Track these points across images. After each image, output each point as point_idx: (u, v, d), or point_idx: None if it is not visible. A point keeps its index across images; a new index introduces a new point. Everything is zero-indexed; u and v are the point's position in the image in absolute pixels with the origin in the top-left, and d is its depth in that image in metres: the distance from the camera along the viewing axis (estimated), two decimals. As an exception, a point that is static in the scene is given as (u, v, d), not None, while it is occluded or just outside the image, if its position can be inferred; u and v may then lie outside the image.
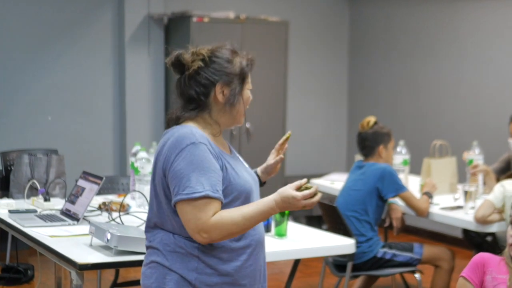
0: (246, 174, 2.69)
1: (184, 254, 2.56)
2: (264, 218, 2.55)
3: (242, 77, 2.65)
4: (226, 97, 2.63)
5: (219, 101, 2.63)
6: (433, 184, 5.08)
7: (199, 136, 2.55)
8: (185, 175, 2.48)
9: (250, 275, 2.64)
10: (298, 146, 8.55)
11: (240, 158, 2.80)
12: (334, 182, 6.02)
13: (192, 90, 2.63)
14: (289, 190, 2.52)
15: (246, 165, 2.79)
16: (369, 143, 4.96)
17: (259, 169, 2.96)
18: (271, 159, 2.95)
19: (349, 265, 4.64)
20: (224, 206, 2.54)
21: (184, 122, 2.64)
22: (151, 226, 2.66)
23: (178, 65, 2.65)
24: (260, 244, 2.70)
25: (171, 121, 2.68)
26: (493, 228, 4.62)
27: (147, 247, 2.68)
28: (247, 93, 2.69)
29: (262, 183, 2.95)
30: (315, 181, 6.26)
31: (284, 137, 2.93)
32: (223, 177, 2.56)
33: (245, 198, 2.61)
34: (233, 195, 2.58)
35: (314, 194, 2.53)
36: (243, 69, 2.66)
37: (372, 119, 5.03)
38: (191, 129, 2.57)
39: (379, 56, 8.55)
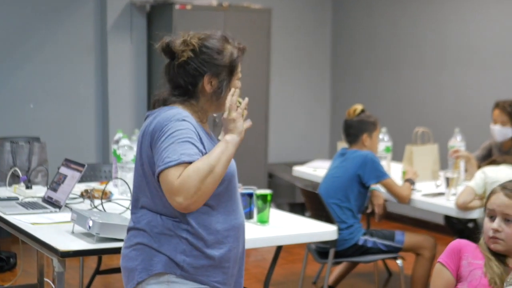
0: None
1: (172, 236, 2.57)
2: (223, 148, 2.54)
3: (231, 69, 2.66)
4: (214, 88, 2.64)
5: (207, 91, 2.64)
6: (414, 172, 5.11)
7: (186, 115, 2.58)
8: (164, 148, 2.50)
9: (232, 258, 2.66)
10: (281, 134, 8.57)
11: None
12: (316, 169, 6.04)
13: (180, 78, 2.65)
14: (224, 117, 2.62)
15: None
16: (353, 131, 4.97)
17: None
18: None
19: (331, 252, 4.66)
20: None
21: (171, 105, 2.66)
22: (138, 207, 2.66)
23: (168, 52, 2.67)
24: (242, 227, 2.72)
25: (158, 103, 2.69)
26: (474, 215, 4.64)
27: (131, 229, 2.68)
28: (236, 83, 2.69)
29: None
30: (298, 168, 6.28)
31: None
32: None
33: (228, 182, 2.63)
34: None
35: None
36: (233, 60, 2.66)
37: (359, 107, 5.04)
38: (178, 110, 2.60)
39: (362, 43, 8.56)
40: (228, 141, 2.57)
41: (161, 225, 2.58)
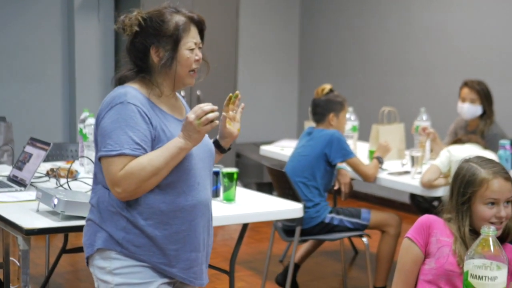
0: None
1: (114, 212, 2.58)
2: (173, 154, 2.52)
3: (176, 38, 2.62)
4: (162, 60, 2.62)
5: (156, 63, 2.64)
6: (386, 147, 5.10)
7: (131, 97, 2.57)
8: (108, 132, 2.52)
9: (181, 241, 2.62)
10: (249, 113, 8.54)
11: None
12: (284, 148, 6.06)
13: (132, 54, 2.67)
14: (187, 116, 2.54)
15: None
16: (320, 110, 4.99)
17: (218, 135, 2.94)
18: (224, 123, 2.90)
19: (298, 230, 4.69)
20: None
21: (126, 83, 2.67)
22: (95, 182, 2.69)
23: (122, 29, 2.68)
24: (199, 210, 2.67)
25: (115, 82, 2.71)
26: (439, 193, 4.69)
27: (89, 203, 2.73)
28: (186, 53, 2.64)
29: (225, 149, 2.92)
30: (265, 148, 6.30)
31: (227, 98, 2.84)
32: (157, 136, 2.58)
33: (181, 163, 2.59)
34: None
35: (211, 120, 2.53)
36: (177, 28, 2.62)
37: (327, 87, 5.06)
38: (126, 90, 2.60)
39: (329, 24, 8.58)
40: (183, 149, 2.53)
41: (107, 201, 2.60)
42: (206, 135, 2.73)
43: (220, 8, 7.68)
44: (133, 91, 2.60)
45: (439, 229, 2.70)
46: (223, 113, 2.82)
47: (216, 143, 2.89)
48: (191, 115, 2.51)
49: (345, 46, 8.41)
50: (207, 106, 2.53)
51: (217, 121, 2.55)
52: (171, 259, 2.62)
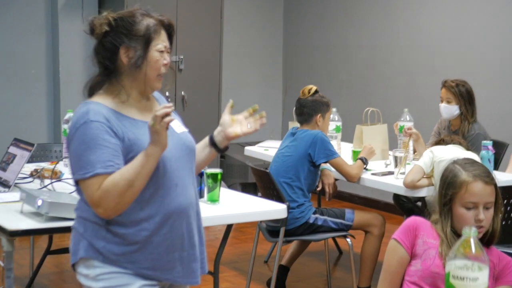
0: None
1: (94, 222, 2.57)
2: (143, 163, 2.48)
3: (147, 38, 2.59)
4: (131, 60, 2.59)
5: (125, 64, 2.60)
6: (371, 149, 5.12)
7: (93, 114, 2.52)
8: (77, 155, 2.51)
9: (163, 244, 2.60)
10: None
11: (175, 123, 2.72)
12: (268, 149, 6.07)
13: (100, 55, 2.63)
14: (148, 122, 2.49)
15: (177, 126, 2.74)
16: (307, 110, 5.01)
17: (216, 131, 2.93)
18: (231, 126, 2.96)
19: (282, 230, 4.70)
20: None
21: (94, 94, 2.65)
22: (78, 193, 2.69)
23: (91, 31, 2.65)
24: (180, 211, 2.63)
25: (86, 91, 2.68)
26: (422, 193, 4.70)
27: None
28: (156, 55, 2.61)
29: (220, 148, 2.93)
30: (249, 148, 6.30)
31: (250, 109, 2.84)
32: (127, 148, 2.54)
33: (157, 169, 2.55)
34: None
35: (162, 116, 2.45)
36: (148, 29, 2.59)
37: (313, 87, 5.07)
38: (88, 107, 2.55)
39: (313, 24, 8.60)
40: (149, 155, 2.48)
41: (87, 210, 2.58)
42: (185, 132, 2.75)
43: (204, 10, 7.68)
44: (95, 106, 2.56)
45: (426, 231, 2.71)
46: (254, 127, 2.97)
47: (212, 141, 2.88)
48: (151, 121, 2.46)
49: (328, 47, 8.43)
50: (160, 111, 2.45)
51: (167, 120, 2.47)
52: (154, 263, 2.60)
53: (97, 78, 2.66)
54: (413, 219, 2.76)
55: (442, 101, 5.42)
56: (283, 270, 5.27)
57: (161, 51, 2.62)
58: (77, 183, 2.56)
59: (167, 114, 2.45)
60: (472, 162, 2.74)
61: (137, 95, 2.66)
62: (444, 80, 5.46)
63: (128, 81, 2.63)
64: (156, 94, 2.81)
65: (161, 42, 2.62)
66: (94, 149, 2.49)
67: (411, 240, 2.70)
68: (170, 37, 2.69)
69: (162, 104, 2.57)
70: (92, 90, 2.66)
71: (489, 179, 2.65)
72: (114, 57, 2.60)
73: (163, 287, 2.70)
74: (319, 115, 4.99)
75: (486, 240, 2.66)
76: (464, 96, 5.37)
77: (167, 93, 7.13)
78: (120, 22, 2.60)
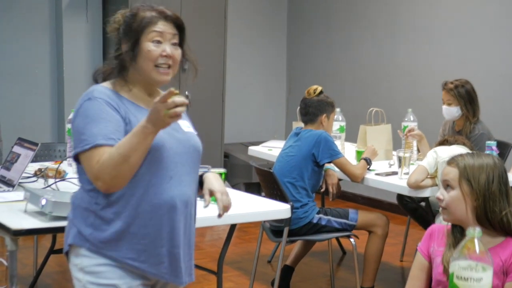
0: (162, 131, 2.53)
1: (84, 208, 2.58)
2: (140, 138, 2.43)
3: (139, 30, 2.60)
4: (128, 52, 2.61)
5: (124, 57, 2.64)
6: (374, 150, 5.13)
7: (97, 93, 2.58)
8: (79, 130, 2.53)
9: (150, 235, 2.56)
10: (237, 114, 8.58)
11: (183, 120, 2.69)
12: (272, 149, 6.07)
13: (112, 50, 2.71)
14: (155, 102, 2.42)
15: (185, 126, 2.73)
16: (312, 110, 5.01)
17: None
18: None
19: (286, 230, 4.70)
20: None
21: (101, 82, 2.69)
22: (79, 183, 2.71)
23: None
24: (171, 206, 2.59)
25: (92, 80, 2.73)
26: (426, 193, 4.70)
27: None
28: (147, 45, 2.60)
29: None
30: (253, 148, 6.31)
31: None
32: (127, 128, 2.54)
33: (150, 151, 2.51)
34: None
35: (177, 105, 2.38)
36: (141, 21, 2.60)
37: (319, 88, 5.08)
38: (94, 87, 2.62)
39: (317, 24, 8.59)
40: (146, 131, 2.43)
41: (80, 198, 2.62)
42: (193, 133, 2.73)
43: (208, 10, 7.68)
44: (100, 87, 2.62)
45: (438, 239, 2.75)
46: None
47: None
48: (160, 104, 2.38)
49: (333, 47, 8.42)
50: (179, 98, 2.40)
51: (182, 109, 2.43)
52: (139, 254, 2.57)
53: (105, 68, 2.70)
54: (431, 227, 2.83)
55: (443, 103, 5.42)
56: (288, 270, 5.27)
57: (157, 41, 2.61)
58: (77, 160, 2.56)
59: (183, 105, 2.40)
60: (473, 153, 2.76)
61: (145, 87, 2.68)
62: (443, 82, 5.46)
63: (133, 75, 2.66)
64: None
65: (155, 31, 2.61)
66: (97, 122, 2.51)
67: (427, 246, 2.75)
68: (180, 30, 2.68)
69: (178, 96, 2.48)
70: (97, 80, 2.71)
71: (452, 161, 2.70)
72: (119, 51, 2.66)
73: (150, 286, 2.68)
74: (324, 115, 4.99)
75: (506, 231, 2.65)
76: (464, 97, 5.36)
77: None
78: (126, 19, 2.65)
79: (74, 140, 2.56)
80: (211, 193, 2.78)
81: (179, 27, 2.67)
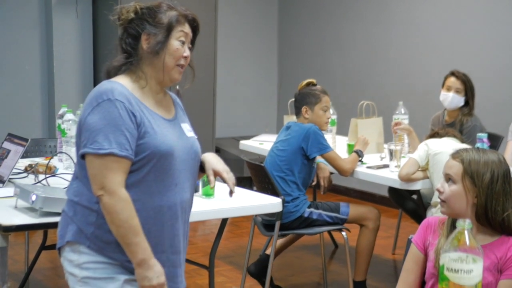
0: (170, 135, 2.63)
1: (86, 207, 2.57)
2: (137, 246, 2.51)
3: (168, 27, 2.63)
4: (151, 47, 2.62)
5: (145, 50, 2.64)
6: (365, 140, 5.11)
7: (118, 94, 2.54)
8: (95, 129, 2.49)
9: (151, 241, 2.56)
10: (228, 108, 8.57)
11: (184, 122, 2.78)
12: (263, 143, 6.07)
13: (123, 41, 2.68)
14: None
15: (187, 130, 2.75)
16: (296, 103, 5.02)
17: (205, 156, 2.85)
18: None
19: (277, 224, 4.69)
20: (136, 163, 2.54)
21: (114, 76, 2.66)
22: (74, 177, 2.68)
23: (118, 18, 2.70)
24: (173, 212, 2.64)
25: (104, 74, 2.69)
26: (417, 186, 4.71)
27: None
28: (175, 43, 2.65)
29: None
30: (245, 142, 6.30)
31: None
32: (140, 133, 2.54)
33: (159, 159, 2.56)
34: (145, 153, 2.54)
35: None
36: (171, 19, 2.64)
37: (307, 81, 5.07)
38: (113, 85, 2.57)
39: (308, 18, 8.59)
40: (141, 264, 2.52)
41: (81, 195, 2.59)
42: (194, 137, 2.75)
43: (199, 5, 7.66)
44: (119, 87, 2.58)
45: (434, 232, 2.73)
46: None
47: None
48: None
49: (323, 41, 8.42)
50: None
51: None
52: None
53: (117, 61, 2.68)
54: (426, 219, 2.81)
55: (449, 90, 5.39)
56: (266, 259, 5.24)
57: (182, 42, 2.67)
58: (82, 156, 2.54)
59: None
60: (479, 149, 2.73)
61: (156, 85, 2.69)
62: (452, 70, 5.45)
63: (147, 68, 2.66)
64: (173, 96, 2.85)
65: (182, 32, 2.67)
66: (114, 128, 2.49)
67: (423, 239, 2.74)
68: (194, 33, 2.75)
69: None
70: (111, 74, 2.68)
71: (456, 155, 2.67)
72: (135, 43, 2.65)
73: None
74: (306, 107, 4.96)
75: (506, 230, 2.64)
76: (472, 88, 5.39)
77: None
78: (146, 10, 2.65)
79: (85, 136, 2.51)
80: (216, 173, 2.81)
81: (195, 31, 2.75)
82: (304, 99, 4.98)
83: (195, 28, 2.74)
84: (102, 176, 2.47)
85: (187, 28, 2.69)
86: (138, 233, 2.50)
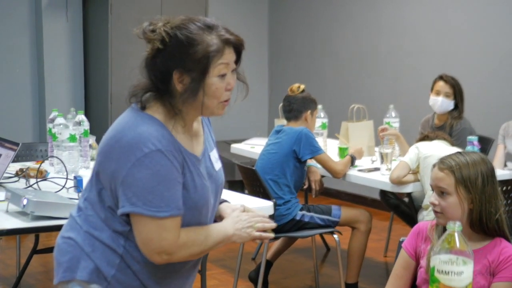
0: (207, 185, 2.33)
1: (108, 246, 2.28)
2: (223, 242, 2.35)
3: (205, 63, 2.21)
4: (186, 87, 2.22)
5: (179, 90, 2.23)
6: (361, 150, 5.17)
7: (166, 142, 2.20)
8: (147, 187, 2.17)
9: (174, 283, 2.39)
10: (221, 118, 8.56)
11: (212, 149, 2.47)
12: (254, 147, 6.08)
13: (151, 73, 2.25)
14: (237, 212, 2.39)
15: (215, 159, 2.46)
16: (297, 107, 5.02)
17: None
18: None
19: (269, 227, 4.69)
20: None
21: (148, 106, 2.27)
22: (87, 204, 2.35)
23: (145, 39, 2.26)
24: (196, 263, 2.45)
25: (134, 98, 2.30)
26: (408, 189, 4.73)
27: (71, 215, 2.39)
28: (215, 82, 2.24)
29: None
30: (236, 146, 6.31)
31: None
32: (182, 183, 2.25)
33: (193, 212, 2.30)
34: (184, 207, 2.27)
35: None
36: (208, 53, 2.21)
37: (302, 86, 5.10)
38: (155, 128, 2.22)
39: (299, 21, 8.60)
40: (227, 238, 2.35)
41: (101, 229, 2.28)
42: (220, 168, 2.47)
43: (189, 9, 7.67)
44: (161, 129, 2.22)
45: (424, 239, 2.74)
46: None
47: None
48: (251, 218, 2.38)
49: (314, 44, 8.43)
50: (271, 223, 2.41)
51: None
52: None
53: (148, 91, 2.29)
54: (417, 226, 2.80)
55: (438, 95, 5.40)
56: (267, 265, 5.27)
57: (223, 75, 2.26)
58: (125, 214, 2.22)
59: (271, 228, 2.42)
60: (461, 152, 2.73)
61: (192, 119, 2.34)
62: (440, 74, 5.46)
63: (184, 106, 2.26)
64: None
65: (223, 63, 2.26)
66: (169, 185, 2.18)
67: (414, 245, 2.74)
68: (238, 53, 2.35)
69: (261, 216, 2.42)
70: (142, 102, 2.29)
71: (443, 166, 2.64)
72: (166, 80, 2.23)
73: None
74: (309, 111, 5.01)
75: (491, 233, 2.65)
76: (461, 91, 5.41)
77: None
78: (175, 41, 2.21)
79: (132, 194, 2.18)
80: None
81: (239, 51, 2.36)
82: (307, 104, 5.02)
83: (240, 49, 2.35)
84: (160, 239, 2.20)
85: (228, 56, 2.28)
86: (210, 237, 2.30)
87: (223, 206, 2.51)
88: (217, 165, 2.44)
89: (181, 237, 2.23)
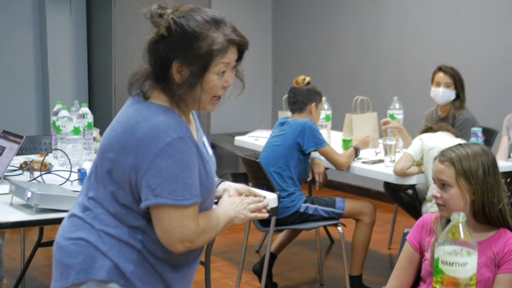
0: (211, 168, 2.35)
1: (125, 242, 2.26)
2: (227, 225, 2.39)
3: (207, 60, 2.21)
4: (184, 79, 2.23)
5: (176, 81, 2.24)
6: (366, 141, 5.15)
7: (185, 128, 2.23)
8: (172, 176, 2.17)
9: (188, 280, 2.42)
10: (223, 104, 8.54)
11: (203, 135, 2.47)
12: (258, 139, 6.07)
13: (151, 57, 2.26)
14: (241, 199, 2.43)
15: (208, 146, 2.46)
16: (302, 98, 5.02)
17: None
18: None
19: (273, 220, 4.70)
20: None
21: (151, 96, 2.28)
22: (93, 202, 2.31)
23: (151, 22, 2.26)
24: (202, 249, 2.46)
25: (134, 86, 2.31)
26: (412, 181, 4.73)
27: (74, 215, 2.34)
28: (213, 79, 2.25)
29: None
30: (240, 138, 6.30)
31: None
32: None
33: (205, 197, 2.31)
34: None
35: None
36: (212, 51, 2.21)
37: (307, 78, 5.10)
38: (172, 115, 2.24)
39: (302, 13, 8.59)
40: (233, 220, 2.39)
41: (116, 226, 2.26)
42: (211, 152, 2.47)
43: (192, 1, 7.66)
44: (174, 116, 2.24)
45: (428, 231, 2.74)
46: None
47: None
48: (248, 199, 2.44)
49: (318, 36, 8.42)
50: (263, 203, 2.48)
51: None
52: None
53: (149, 78, 2.29)
54: (421, 218, 2.81)
55: (438, 86, 5.41)
56: (271, 257, 5.27)
57: (222, 72, 2.27)
58: (148, 206, 2.21)
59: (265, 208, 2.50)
60: (461, 144, 2.73)
61: (189, 109, 2.36)
62: (439, 66, 5.46)
63: (181, 94, 2.27)
64: None
65: (224, 63, 2.26)
66: (190, 172, 2.19)
67: (418, 238, 2.74)
68: (240, 52, 2.35)
69: (257, 196, 2.51)
70: (144, 92, 2.28)
71: (443, 158, 2.65)
72: (165, 68, 2.24)
73: None
74: (314, 103, 5.01)
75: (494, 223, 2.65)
76: (462, 81, 5.40)
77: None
78: (181, 31, 2.21)
79: (157, 185, 2.17)
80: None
81: (242, 50, 2.36)
82: (312, 96, 5.02)
83: (243, 49, 2.35)
84: (183, 227, 2.21)
85: (231, 56, 2.28)
86: (220, 221, 2.34)
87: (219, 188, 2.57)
88: (210, 150, 2.47)
89: (199, 224, 2.25)
